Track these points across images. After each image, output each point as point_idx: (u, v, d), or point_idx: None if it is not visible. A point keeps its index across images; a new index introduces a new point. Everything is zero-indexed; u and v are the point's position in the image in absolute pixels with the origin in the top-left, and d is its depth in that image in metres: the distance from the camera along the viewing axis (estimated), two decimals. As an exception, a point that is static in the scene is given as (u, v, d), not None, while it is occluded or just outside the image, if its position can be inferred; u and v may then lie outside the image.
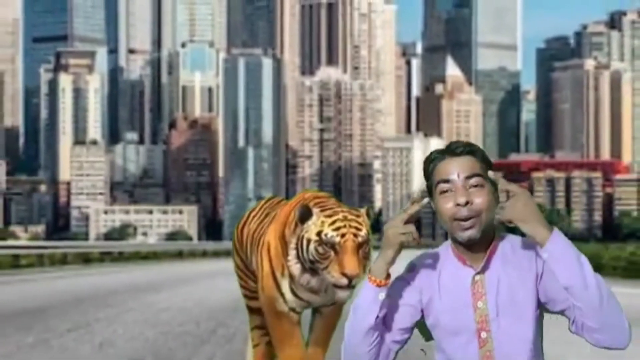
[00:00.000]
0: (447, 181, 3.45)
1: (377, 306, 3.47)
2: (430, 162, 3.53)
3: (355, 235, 5.10)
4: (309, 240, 5.18)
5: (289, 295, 5.56)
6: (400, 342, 3.58)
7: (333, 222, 5.15)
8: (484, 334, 3.49)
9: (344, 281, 5.04)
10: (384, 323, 3.53)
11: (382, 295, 3.46)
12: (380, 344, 3.53)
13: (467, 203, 3.42)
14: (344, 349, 3.58)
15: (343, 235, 5.09)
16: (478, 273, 3.51)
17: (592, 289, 3.34)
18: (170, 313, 14.40)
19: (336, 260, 5.08)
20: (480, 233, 3.45)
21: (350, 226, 5.12)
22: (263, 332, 6.20)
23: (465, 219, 3.43)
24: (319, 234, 5.15)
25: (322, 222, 5.18)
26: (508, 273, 3.49)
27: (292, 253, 5.35)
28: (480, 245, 3.50)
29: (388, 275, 3.47)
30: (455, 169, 3.45)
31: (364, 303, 3.49)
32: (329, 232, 5.13)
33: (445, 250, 3.58)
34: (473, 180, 3.44)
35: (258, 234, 5.89)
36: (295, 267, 5.35)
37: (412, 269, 3.57)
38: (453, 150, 3.50)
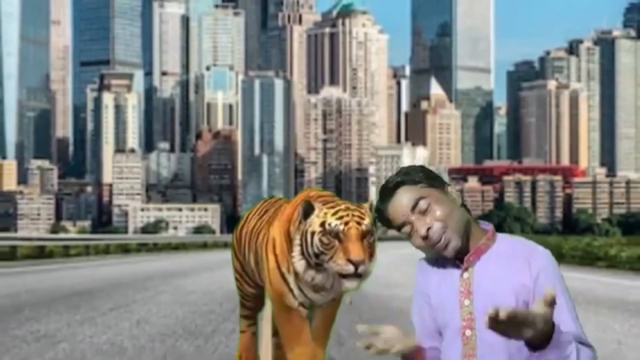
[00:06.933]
0: (402, 225, 2.97)
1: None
2: (380, 215, 3.05)
3: (359, 224, 4.34)
4: (313, 233, 4.44)
5: (297, 291, 4.75)
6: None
7: (336, 212, 4.41)
8: (468, 332, 2.98)
9: (350, 268, 4.26)
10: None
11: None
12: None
13: (428, 229, 2.93)
14: None
15: (347, 224, 4.34)
16: (465, 270, 3.00)
17: None
18: (197, 295, 14.39)
19: (341, 248, 4.31)
20: (459, 240, 2.96)
21: (353, 215, 4.38)
22: (250, 322, 5.59)
23: (438, 241, 2.94)
24: (322, 224, 4.40)
25: (325, 214, 4.42)
26: (498, 272, 2.97)
27: (297, 250, 4.55)
28: (467, 246, 3.00)
29: (416, 348, 3.03)
30: (398, 210, 2.96)
31: None
32: (332, 222, 4.37)
33: None
34: (419, 207, 2.94)
35: (257, 230, 5.11)
36: (300, 264, 4.56)
37: (418, 274, 3.12)
38: (386, 190, 3.01)
